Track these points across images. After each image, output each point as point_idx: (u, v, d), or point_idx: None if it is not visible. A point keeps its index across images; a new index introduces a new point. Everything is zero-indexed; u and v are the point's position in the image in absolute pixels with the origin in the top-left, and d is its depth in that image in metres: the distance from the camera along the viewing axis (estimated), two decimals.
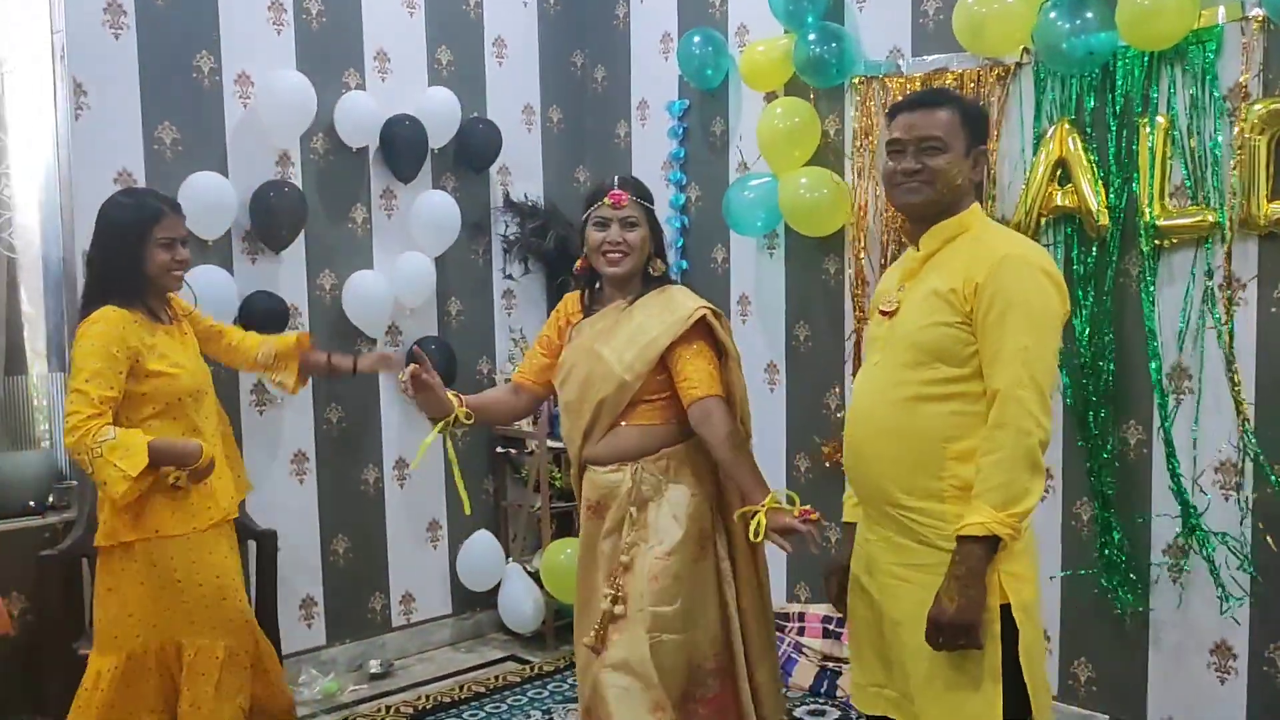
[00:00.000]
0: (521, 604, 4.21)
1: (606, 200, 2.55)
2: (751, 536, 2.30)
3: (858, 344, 3.69)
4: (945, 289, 2.06)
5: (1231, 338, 2.93)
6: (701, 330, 2.52)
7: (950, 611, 1.99)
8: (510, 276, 4.48)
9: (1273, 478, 2.89)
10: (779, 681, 2.68)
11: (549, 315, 4.52)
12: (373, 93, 4.00)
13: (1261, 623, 2.98)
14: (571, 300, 2.73)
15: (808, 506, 2.30)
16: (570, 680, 3.92)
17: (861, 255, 3.69)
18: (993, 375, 2.00)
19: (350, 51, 3.98)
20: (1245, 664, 3.01)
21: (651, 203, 2.62)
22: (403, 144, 4.00)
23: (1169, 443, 3.04)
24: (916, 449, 2.08)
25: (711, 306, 2.56)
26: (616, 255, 2.55)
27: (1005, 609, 2.06)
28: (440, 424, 2.55)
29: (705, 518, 2.56)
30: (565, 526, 4.46)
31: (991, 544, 1.99)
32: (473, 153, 4.25)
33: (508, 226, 4.45)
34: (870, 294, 3.70)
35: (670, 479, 2.53)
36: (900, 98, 3.50)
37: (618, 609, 2.47)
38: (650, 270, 2.61)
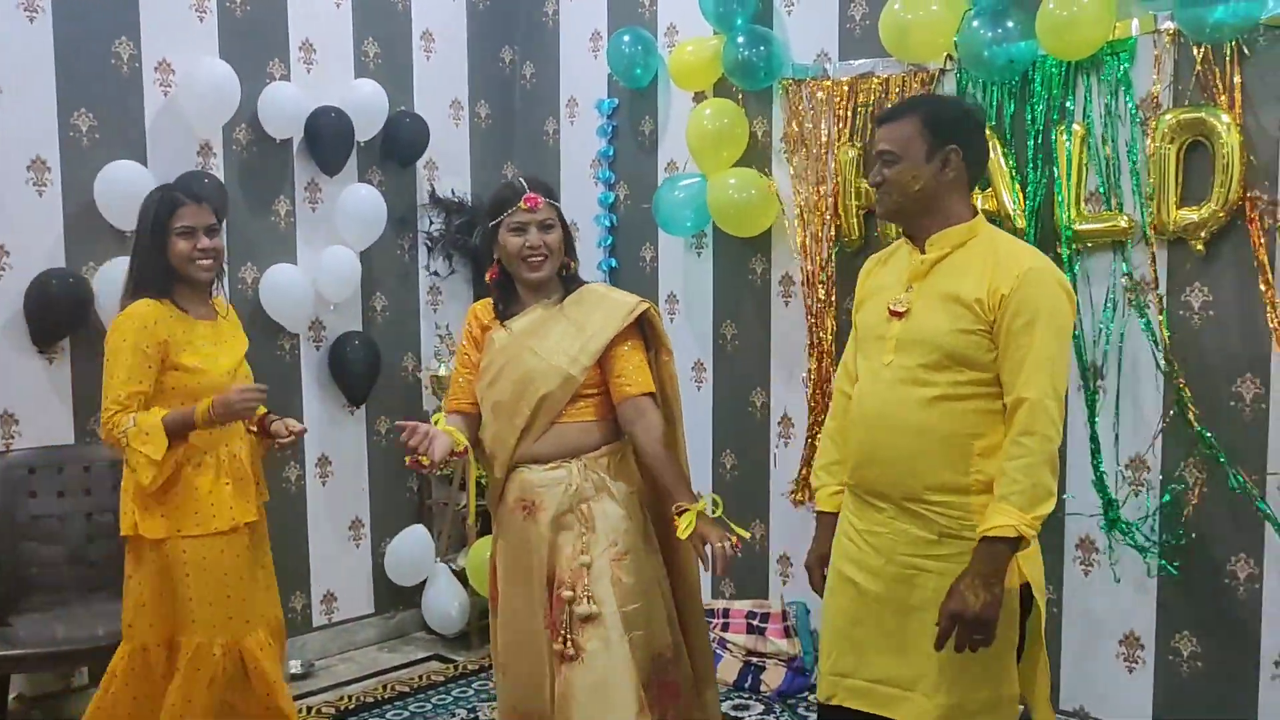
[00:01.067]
0: (447, 605, 4.18)
1: (522, 205, 2.52)
2: (679, 533, 2.32)
3: (819, 345, 3.71)
4: (969, 297, 2.13)
5: (1156, 339, 3.03)
6: (635, 326, 2.54)
7: (975, 608, 2.06)
8: (435, 273, 4.45)
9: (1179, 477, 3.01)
10: (714, 670, 2.73)
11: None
12: (298, 83, 3.93)
13: (1167, 614, 3.09)
14: (482, 309, 2.68)
15: (738, 537, 2.32)
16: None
17: (795, 255, 3.74)
18: (1018, 383, 2.07)
19: (275, 41, 3.92)
20: (1152, 654, 3.12)
21: (558, 201, 2.62)
22: (328, 136, 3.95)
23: (1094, 439, 3.14)
24: (944, 446, 2.16)
25: (648, 301, 2.59)
26: (538, 259, 2.53)
27: (1024, 588, 2.18)
28: (465, 452, 2.50)
29: (644, 515, 2.58)
30: (489, 523, 4.43)
31: (1015, 544, 2.07)
32: (399, 146, 4.21)
33: (432, 222, 4.42)
34: (796, 294, 3.76)
35: (611, 477, 2.54)
36: (824, 99, 3.59)
37: (589, 609, 2.43)
38: (565, 270, 2.60)
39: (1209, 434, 2.94)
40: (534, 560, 2.52)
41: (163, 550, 2.74)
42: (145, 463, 2.63)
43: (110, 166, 3.45)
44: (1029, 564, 2.20)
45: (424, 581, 4.27)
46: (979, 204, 3.25)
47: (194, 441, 2.74)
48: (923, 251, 2.24)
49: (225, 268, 2.98)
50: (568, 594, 2.45)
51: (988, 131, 3.19)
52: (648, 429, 2.47)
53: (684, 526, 2.32)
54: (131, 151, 3.55)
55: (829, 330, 3.65)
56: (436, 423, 2.51)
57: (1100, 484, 3.13)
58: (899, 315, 2.22)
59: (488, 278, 2.64)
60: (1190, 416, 2.97)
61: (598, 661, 2.42)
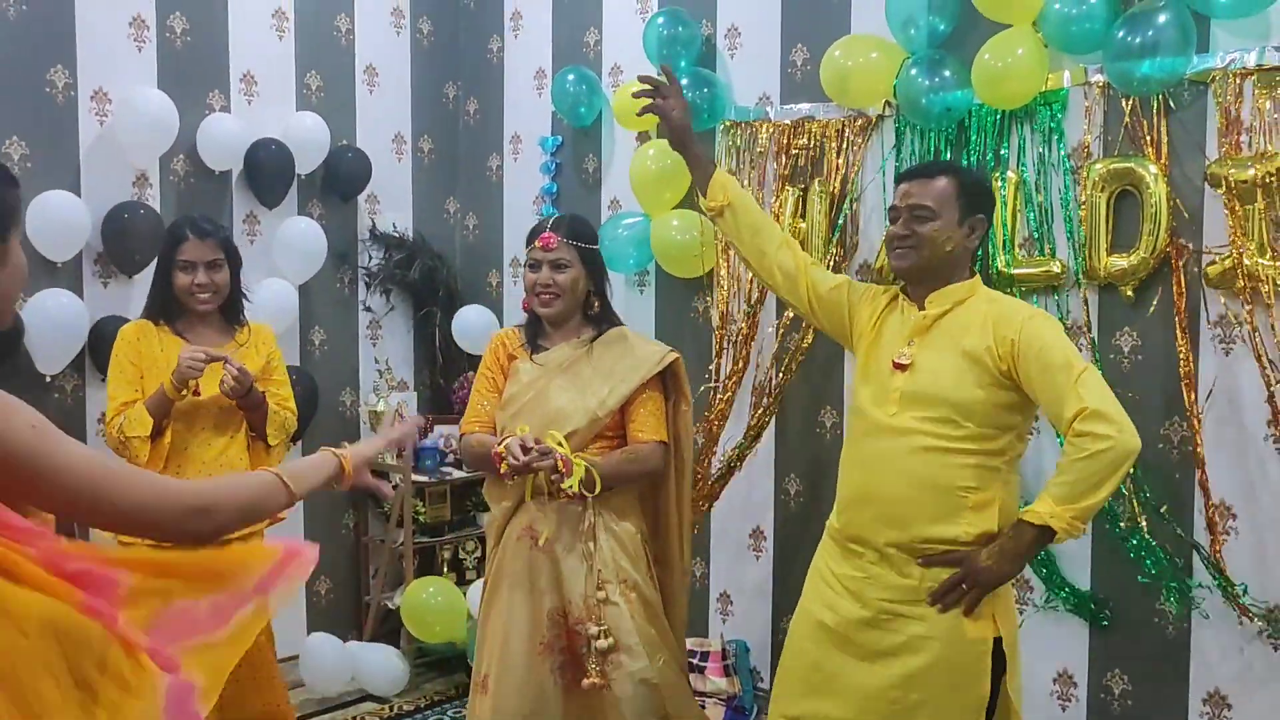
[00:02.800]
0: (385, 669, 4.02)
1: (537, 243, 2.66)
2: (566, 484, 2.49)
3: (717, 386, 3.73)
4: (978, 349, 2.19)
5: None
6: (658, 374, 2.67)
7: (983, 571, 2.12)
8: (369, 309, 4.41)
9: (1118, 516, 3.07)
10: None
11: (415, 345, 4.54)
12: (238, 115, 3.90)
13: (1099, 653, 3.14)
14: (508, 337, 2.79)
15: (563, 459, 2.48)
16: (433, 719, 3.84)
17: (732, 298, 3.77)
18: (1070, 403, 2.10)
19: (215, 72, 3.88)
20: (1085, 692, 3.17)
21: (591, 242, 2.71)
22: (268, 169, 3.91)
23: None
24: (937, 497, 2.21)
25: (676, 351, 2.72)
26: (547, 296, 2.65)
27: (996, 643, 2.21)
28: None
29: (645, 552, 2.71)
30: (428, 562, 4.38)
31: (1045, 534, 2.11)
32: (341, 180, 4.19)
33: (371, 258, 4.39)
34: (731, 332, 3.79)
35: (618, 516, 2.65)
36: (765, 141, 3.63)
37: (605, 643, 2.55)
38: (589, 310, 2.71)
39: (1137, 474, 3.01)
40: (540, 588, 2.61)
41: None
42: (137, 442, 2.77)
43: (43, 196, 3.38)
44: (1005, 622, 2.25)
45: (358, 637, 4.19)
46: None
47: (188, 450, 2.86)
48: (921, 307, 2.29)
49: (247, 296, 3.10)
50: (593, 630, 2.55)
51: None
52: (644, 461, 2.63)
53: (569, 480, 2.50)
54: (65, 181, 3.48)
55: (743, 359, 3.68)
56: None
57: None
58: (902, 368, 2.27)
59: (522, 308, 2.79)
60: None
61: (624, 688, 2.57)
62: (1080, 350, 3.05)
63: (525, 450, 2.48)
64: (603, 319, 2.74)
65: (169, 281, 2.89)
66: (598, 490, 2.54)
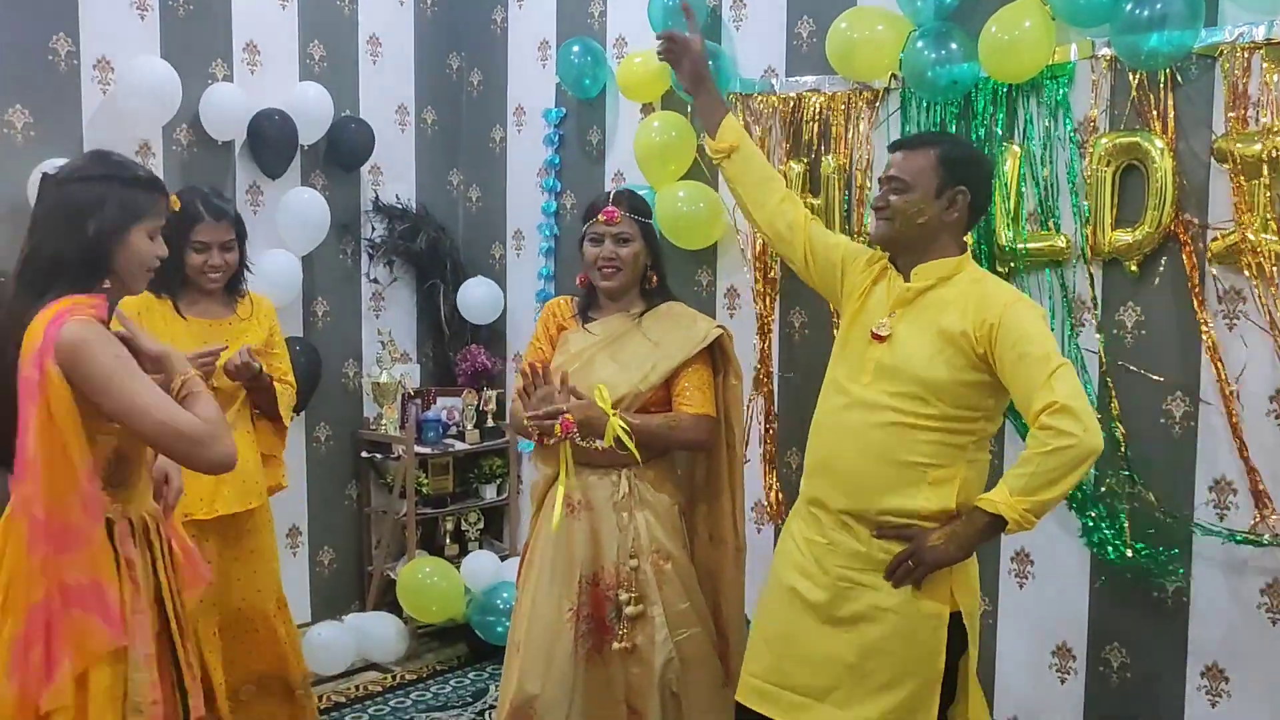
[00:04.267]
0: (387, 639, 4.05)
1: (601, 217, 2.68)
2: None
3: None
4: (955, 330, 2.19)
5: (1092, 356, 3.10)
6: (706, 350, 2.68)
7: (930, 551, 2.15)
8: (375, 280, 4.41)
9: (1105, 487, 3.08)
10: None
11: (418, 316, 4.54)
12: (241, 85, 3.88)
13: (1098, 626, 3.16)
14: (561, 307, 2.82)
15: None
16: (434, 689, 3.87)
17: (743, 269, 3.77)
18: (1039, 395, 2.10)
19: (218, 42, 3.86)
20: (1084, 664, 3.19)
21: (648, 217, 2.73)
22: (271, 139, 3.90)
23: None
24: (898, 470, 2.22)
25: (724, 328, 2.72)
26: (610, 270, 2.68)
27: (954, 617, 2.23)
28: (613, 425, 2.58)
29: (682, 525, 2.74)
30: (431, 533, 4.40)
31: (997, 523, 2.12)
32: (344, 151, 4.18)
33: (374, 229, 4.38)
34: (741, 305, 3.79)
35: (654, 489, 2.68)
36: (770, 114, 3.62)
37: (635, 609, 2.61)
38: (646, 284, 2.74)
39: (1126, 449, 3.02)
40: (574, 556, 2.65)
41: None
42: None
43: (46, 165, 3.35)
44: (964, 594, 2.26)
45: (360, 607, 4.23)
46: None
47: None
48: (907, 278, 2.29)
49: (250, 269, 3.10)
50: (624, 596, 2.61)
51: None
52: (683, 430, 2.64)
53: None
54: (68, 150, 3.47)
55: (771, 344, 3.69)
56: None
57: None
58: (880, 339, 2.27)
59: (578, 282, 2.81)
60: (1118, 436, 3.04)
61: (646, 657, 2.62)
62: (1084, 325, 3.08)
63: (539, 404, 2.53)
64: (657, 294, 2.76)
65: (180, 259, 2.85)
66: (633, 447, 2.54)
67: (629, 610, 2.62)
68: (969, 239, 3.17)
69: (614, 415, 2.55)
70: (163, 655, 2.06)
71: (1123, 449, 3.03)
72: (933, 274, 2.28)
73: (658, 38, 2.66)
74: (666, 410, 2.69)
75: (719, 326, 2.73)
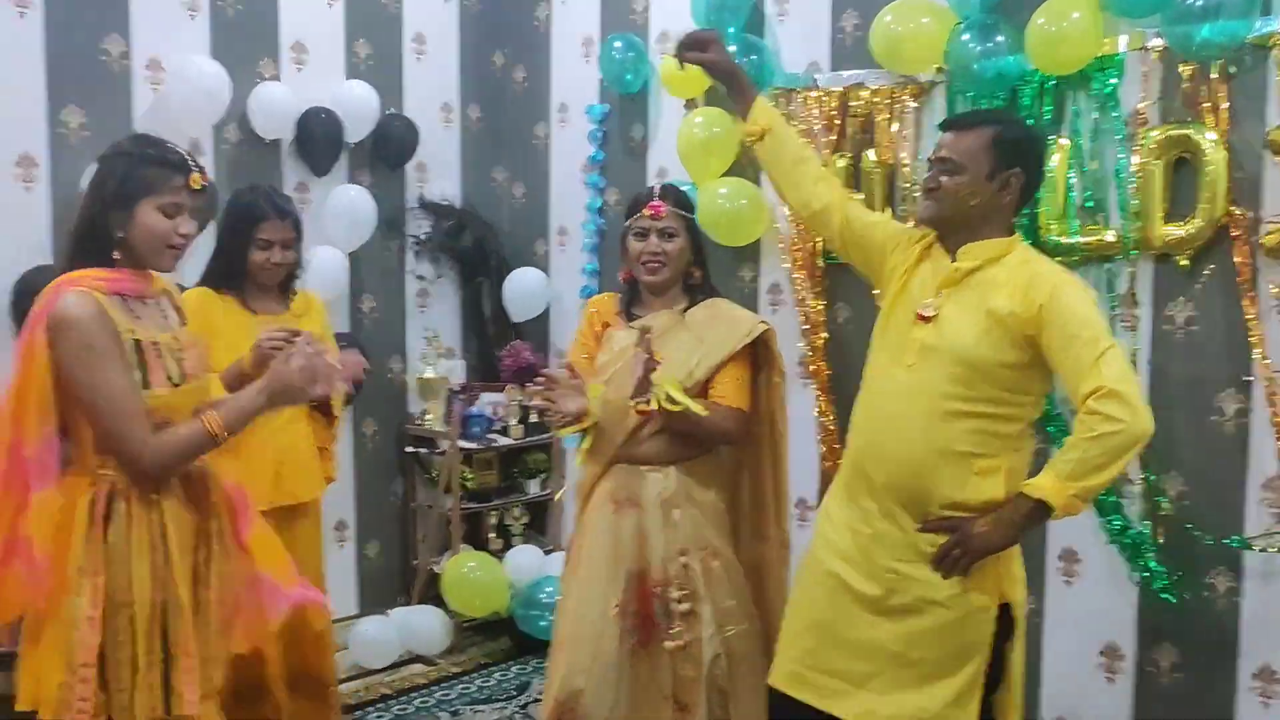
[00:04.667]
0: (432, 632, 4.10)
1: (646, 211, 2.67)
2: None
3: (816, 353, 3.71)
4: (1003, 311, 2.15)
5: (1141, 353, 3.05)
6: (749, 346, 2.67)
7: (975, 538, 2.12)
8: (421, 277, 4.45)
9: (1160, 491, 3.03)
10: None
11: (463, 313, 4.57)
12: (288, 84, 3.93)
13: (1147, 626, 3.12)
14: (605, 304, 2.82)
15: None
16: (479, 682, 3.90)
17: (784, 265, 3.76)
18: (1088, 378, 2.06)
19: (266, 41, 3.91)
20: (1132, 665, 3.15)
21: (692, 212, 2.73)
22: (318, 137, 3.95)
23: None
24: (945, 460, 2.19)
25: (768, 323, 2.71)
26: (655, 264, 2.67)
27: (1003, 609, 2.21)
28: (586, 425, 2.61)
29: (729, 525, 2.74)
30: (475, 528, 4.44)
31: (1042, 509, 2.09)
32: (389, 148, 4.21)
33: (419, 226, 4.42)
34: (785, 302, 3.78)
35: (701, 485, 2.68)
36: (814, 109, 3.59)
37: (685, 606, 2.61)
38: (689, 279, 2.73)
39: (1175, 447, 2.97)
40: (621, 552, 2.65)
41: None
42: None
43: None
44: (1011, 585, 2.23)
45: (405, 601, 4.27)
46: None
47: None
48: (953, 259, 2.25)
49: (304, 267, 3.15)
50: (674, 593, 2.60)
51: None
52: (717, 418, 2.61)
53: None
54: None
55: (823, 340, 3.67)
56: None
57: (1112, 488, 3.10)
58: (926, 320, 2.23)
59: (621, 278, 2.79)
60: (1164, 429, 2.98)
61: (697, 651, 2.62)
62: (1134, 320, 3.03)
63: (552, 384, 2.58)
64: (700, 290, 2.75)
65: (242, 254, 2.92)
66: (688, 401, 2.54)
67: (680, 608, 2.61)
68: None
69: (667, 384, 2.55)
70: (151, 631, 2.07)
71: (1165, 446, 2.98)
72: (981, 254, 2.22)
73: (675, 55, 2.60)
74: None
75: (763, 322, 2.71)
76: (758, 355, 2.73)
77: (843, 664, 2.28)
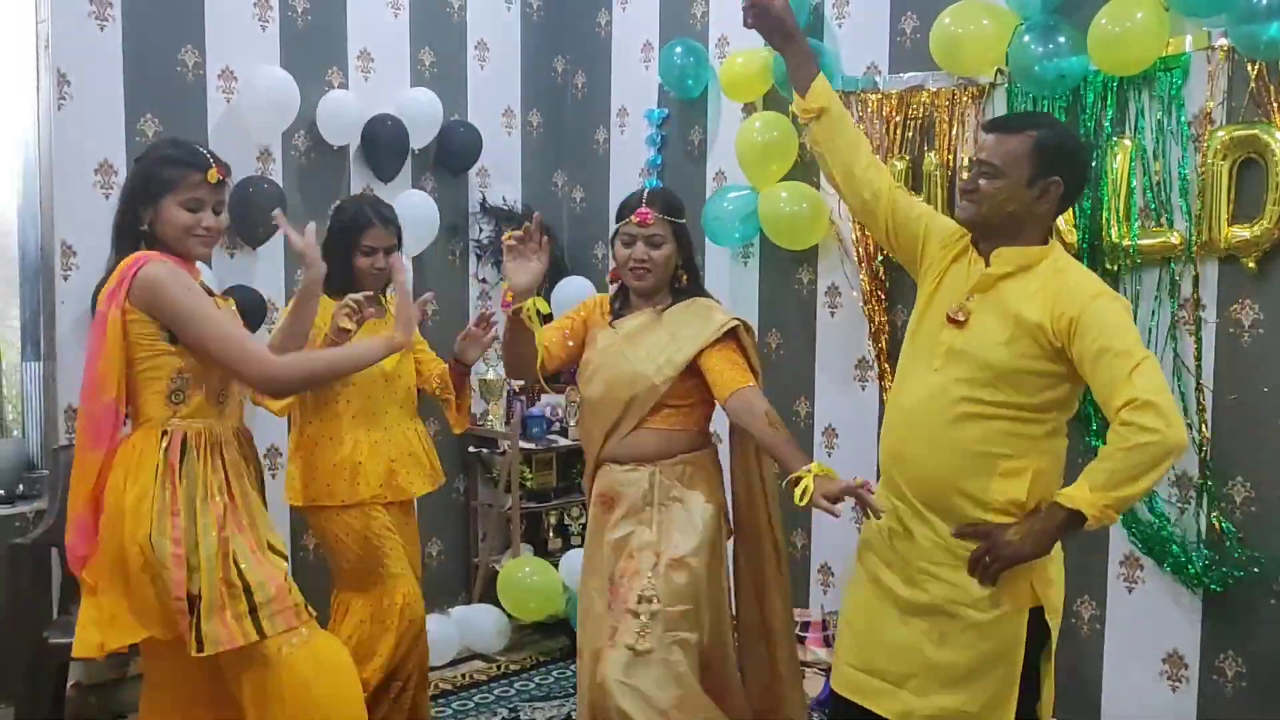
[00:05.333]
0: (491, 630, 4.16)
1: (633, 218, 2.66)
2: (798, 500, 2.30)
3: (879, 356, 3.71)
4: (1033, 321, 2.13)
5: (1206, 356, 3.01)
6: (731, 337, 2.65)
7: (1006, 546, 2.11)
8: (483, 280, 4.52)
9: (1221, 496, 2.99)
10: (801, 692, 2.85)
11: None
12: (355, 91, 4.02)
13: (1212, 634, 3.07)
14: (601, 302, 2.85)
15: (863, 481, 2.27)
16: (537, 679, 3.95)
17: (843, 265, 3.76)
18: (1122, 391, 2.03)
19: (334, 50, 4.01)
20: (1196, 673, 3.10)
21: (681, 216, 2.71)
22: (384, 143, 4.03)
23: None
24: (969, 460, 2.18)
25: (742, 320, 2.68)
26: (641, 271, 2.68)
27: (1036, 612, 2.20)
28: (529, 303, 2.58)
29: (718, 527, 2.69)
30: (535, 527, 4.49)
31: (1076, 519, 2.07)
32: (452, 154, 4.29)
33: (482, 230, 4.48)
34: (842, 304, 3.78)
35: (686, 485, 2.65)
36: (874, 111, 3.59)
37: (642, 606, 2.55)
38: (676, 283, 2.72)
39: (1234, 455, 2.92)
40: (604, 552, 2.67)
41: (318, 519, 3.10)
42: None
43: None
44: (1045, 588, 2.21)
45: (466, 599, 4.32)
46: None
47: (345, 417, 3.07)
48: (987, 263, 2.24)
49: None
50: (631, 599, 2.57)
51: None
52: (752, 413, 2.52)
53: (800, 494, 2.30)
54: None
55: (884, 343, 3.67)
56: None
57: (1151, 501, 3.09)
58: (957, 323, 2.22)
59: (609, 279, 2.83)
60: (1230, 434, 2.94)
61: (635, 654, 2.53)
62: (1198, 323, 2.99)
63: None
64: (687, 292, 2.73)
65: (348, 261, 3.05)
66: (537, 323, 2.58)
67: (638, 608, 2.56)
68: (1073, 236, 3.15)
69: (535, 300, 2.55)
70: (227, 566, 2.26)
71: (1226, 450, 2.94)
72: (1014, 261, 2.19)
73: (744, 7, 2.51)
74: (687, 404, 2.66)
75: (736, 319, 2.67)
76: (746, 353, 2.68)
77: (884, 664, 2.29)
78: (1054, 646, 2.26)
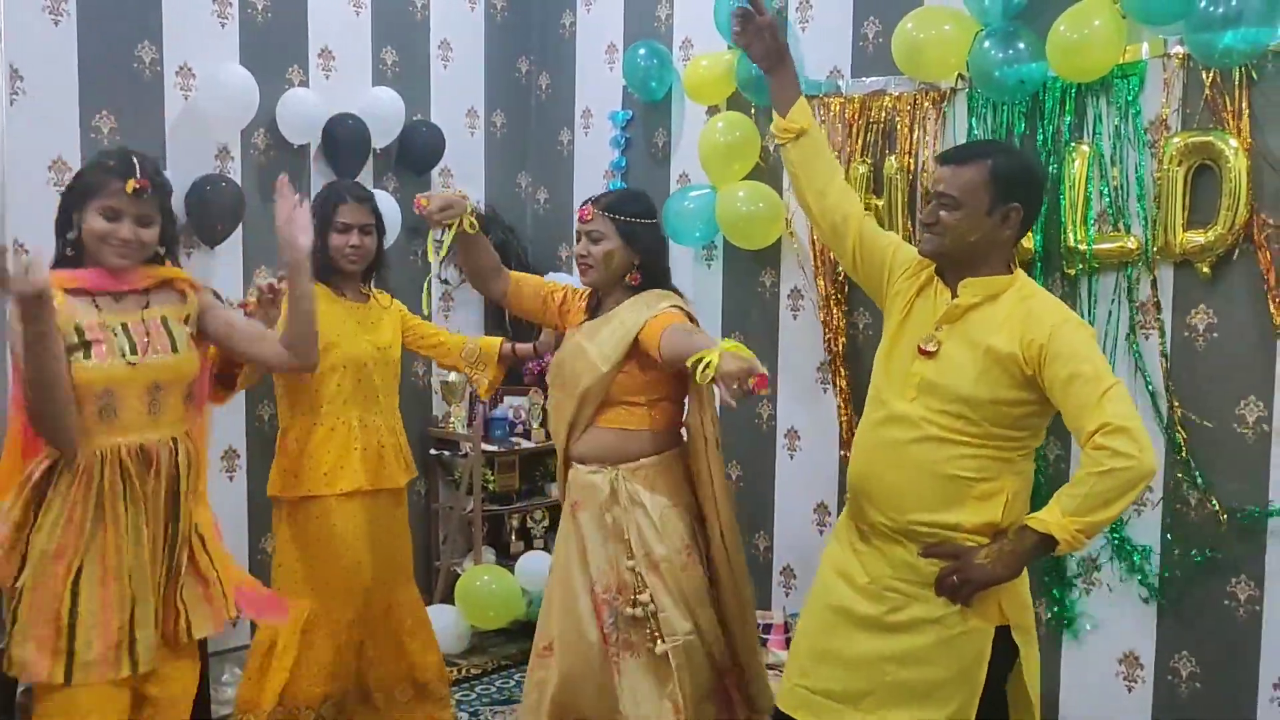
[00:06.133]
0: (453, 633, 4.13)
1: (578, 214, 2.76)
2: (698, 379, 2.24)
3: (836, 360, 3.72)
4: (1004, 351, 2.13)
5: (1161, 360, 3.05)
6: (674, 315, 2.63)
7: (977, 569, 2.10)
8: (445, 281, 4.49)
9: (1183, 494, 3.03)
10: (765, 677, 2.84)
11: (485, 317, 4.61)
12: (316, 90, 3.98)
13: (1167, 634, 3.10)
14: (584, 297, 2.88)
15: (761, 375, 2.20)
16: (498, 683, 3.93)
17: (801, 268, 3.78)
18: (1092, 416, 2.05)
19: (295, 48, 3.97)
20: (1151, 673, 3.13)
21: (633, 216, 2.70)
22: (345, 143, 3.99)
23: None
24: (941, 484, 2.18)
25: (685, 308, 2.69)
26: (583, 266, 2.73)
27: (1003, 632, 2.19)
28: (457, 222, 2.75)
29: (685, 528, 2.69)
30: (497, 530, 4.47)
31: (1047, 543, 2.07)
32: (415, 154, 4.26)
33: (444, 231, 4.44)
34: (805, 307, 3.79)
35: (648, 489, 2.65)
36: (836, 115, 3.61)
37: (633, 612, 2.60)
38: (629, 280, 2.73)
39: (1196, 454, 2.96)
40: (574, 556, 2.68)
41: (294, 512, 3.07)
42: None
43: None
44: (1013, 608, 2.20)
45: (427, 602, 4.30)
46: None
47: (323, 407, 3.07)
48: (954, 294, 2.24)
49: (388, 264, 3.35)
50: (619, 601, 2.60)
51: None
52: (686, 340, 2.44)
53: (700, 373, 2.23)
54: (151, 154, 3.58)
55: (841, 347, 3.68)
56: None
57: None
58: (928, 355, 2.22)
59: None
60: (1183, 438, 2.98)
61: (645, 660, 2.59)
62: (1158, 326, 3.02)
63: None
64: (643, 289, 2.72)
65: (324, 240, 3.04)
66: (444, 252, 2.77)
67: (624, 612, 2.60)
68: (1031, 241, 3.18)
69: (466, 216, 2.74)
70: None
71: (1183, 453, 2.98)
72: (981, 291, 2.20)
73: (734, 15, 2.52)
74: (645, 401, 2.67)
75: (676, 307, 2.66)
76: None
77: (837, 683, 2.27)
78: (1032, 664, 2.24)
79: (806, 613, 2.43)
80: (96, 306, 2.27)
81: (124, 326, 2.28)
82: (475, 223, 2.78)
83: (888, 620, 2.24)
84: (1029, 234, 3.18)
